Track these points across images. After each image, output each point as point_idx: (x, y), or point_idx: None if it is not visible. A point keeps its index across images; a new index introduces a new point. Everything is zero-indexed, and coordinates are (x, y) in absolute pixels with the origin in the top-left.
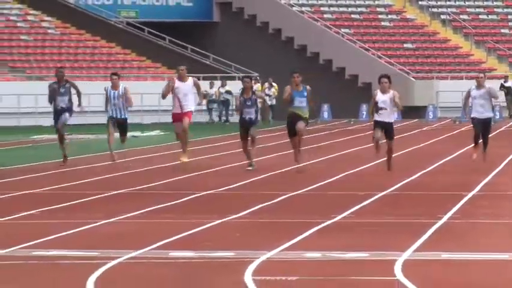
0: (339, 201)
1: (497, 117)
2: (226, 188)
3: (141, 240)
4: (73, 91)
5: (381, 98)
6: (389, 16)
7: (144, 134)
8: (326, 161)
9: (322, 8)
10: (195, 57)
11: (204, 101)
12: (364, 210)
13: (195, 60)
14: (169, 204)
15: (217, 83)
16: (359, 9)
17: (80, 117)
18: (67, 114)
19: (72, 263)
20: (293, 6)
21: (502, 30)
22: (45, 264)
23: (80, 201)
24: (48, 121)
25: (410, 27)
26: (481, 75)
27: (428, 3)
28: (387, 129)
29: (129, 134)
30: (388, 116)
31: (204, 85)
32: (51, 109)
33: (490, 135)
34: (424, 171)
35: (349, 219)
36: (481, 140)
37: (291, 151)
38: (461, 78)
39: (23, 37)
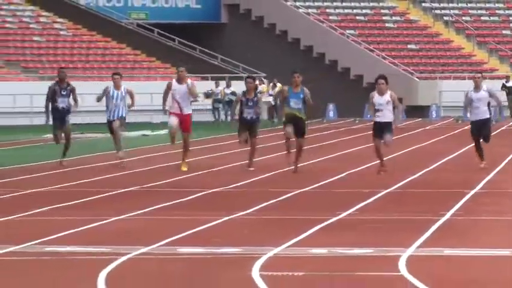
0: (344, 198)
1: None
2: (233, 186)
3: (150, 236)
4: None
5: (377, 100)
6: (394, 18)
7: (154, 133)
8: (331, 159)
9: (327, 10)
10: (203, 58)
11: (210, 100)
12: (368, 208)
13: (203, 61)
14: (177, 201)
15: (223, 82)
16: (364, 11)
17: (88, 116)
18: (69, 119)
19: (84, 258)
20: (299, 8)
21: (504, 32)
22: (57, 260)
23: (90, 198)
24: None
25: (414, 28)
26: (478, 75)
27: (432, 5)
28: (386, 129)
29: (139, 132)
30: (386, 116)
31: (211, 85)
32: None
33: (491, 134)
34: (427, 169)
35: (354, 216)
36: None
37: (291, 151)
38: (464, 78)
39: (35, 38)
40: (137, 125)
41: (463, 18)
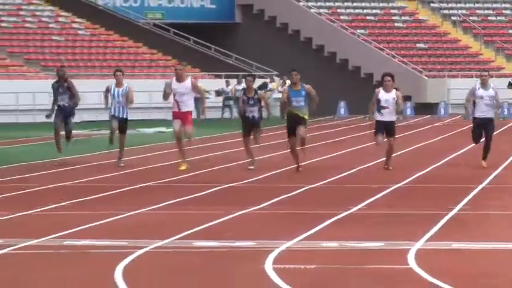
0: (354, 193)
1: (506, 113)
2: (246, 181)
3: (166, 230)
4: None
5: (383, 96)
6: (403, 17)
7: (169, 130)
8: (341, 155)
9: (339, 10)
10: (218, 57)
11: (220, 98)
12: (378, 202)
13: (218, 60)
14: (192, 196)
15: (233, 81)
16: (374, 11)
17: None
18: (72, 119)
19: (101, 252)
20: (311, 8)
21: (510, 31)
22: (75, 254)
23: (107, 193)
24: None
25: (422, 28)
26: (485, 73)
27: (440, 5)
28: (389, 127)
29: (155, 129)
30: (390, 114)
31: (221, 83)
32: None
33: (493, 134)
34: (435, 165)
35: (364, 210)
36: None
37: (299, 148)
38: (471, 76)
39: (54, 37)
40: (153, 122)
41: (471, 18)
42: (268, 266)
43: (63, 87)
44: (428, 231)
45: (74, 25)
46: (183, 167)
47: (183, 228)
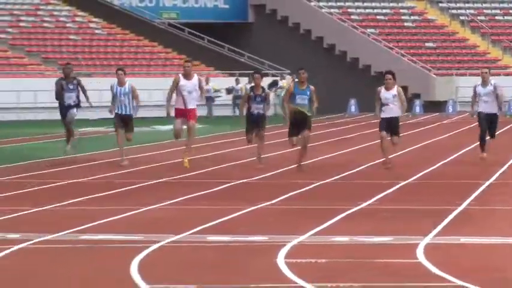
0: (364, 189)
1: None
2: (257, 177)
3: (181, 225)
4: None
5: (384, 94)
6: (412, 17)
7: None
8: (351, 152)
9: (349, 10)
10: (231, 56)
11: (230, 96)
12: (387, 198)
13: (231, 59)
14: (205, 192)
15: (244, 79)
16: (384, 11)
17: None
18: (75, 110)
19: (117, 246)
20: (322, 8)
21: None
22: (91, 248)
23: (122, 189)
24: (95, 115)
25: (431, 27)
26: (485, 70)
27: (448, 5)
28: (393, 124)
29: (171, 127)
30: (393, 111)
31: (231, 81)
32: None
33: (496, 132)
34: (444, 161)
35: (374, 206)
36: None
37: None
38: (479, 74)
39: (71, 37)
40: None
41: (478, 17)
42: (280, 260)
43: (72, 84)
44: (437, 226)
45: (91, 25)
46: (186, 164)
47: (196, 223)
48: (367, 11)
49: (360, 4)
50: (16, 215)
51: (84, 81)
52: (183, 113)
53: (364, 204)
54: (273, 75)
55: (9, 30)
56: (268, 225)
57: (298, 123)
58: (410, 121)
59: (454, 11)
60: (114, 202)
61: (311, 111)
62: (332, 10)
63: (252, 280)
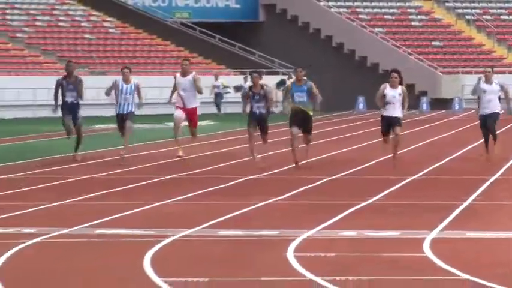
0: (372, 185)
1: None
2: (267, 173)
3: (193, 220)
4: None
5: (389, 92)
6: (419, 16)
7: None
8: (359, 148)
9: (358, 9)
10: (242, 54)
11: (239, 93)
12: (395, 193)
13: (242, 57)
14: (217, 187)
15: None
16: (391, 10)
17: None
18: (79, 115)
19: (131, 240)
20: (331, 7)
21: None
22: (105, 242)
23: (135, 185)
24: (109, 112)
25: (438, 26)
26: (489, 69)
27: (455, 5)
28: (394, 123)
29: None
30: (395, 110)
31: (239, 79)
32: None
33: (497, 131)
34: (450, 157)
35: (382, 201)
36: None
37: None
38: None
39: (86, 36)
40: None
41: (484, 17)
42: (290, 254)
43: (73, 82)
44: (444, 221)
45: (105, 24)
46: (180, 152)
47: (208, 218)
48: (375, 10)
49: (368, 4)
50: (32, 209)
51: (98, 79)
52: (184, 112)
53: (372, 200)
54: (283, 74)
55: (26, 29)
56: (278, 220)
57: (299, 118)
58: (417, 118)
59: (460, 11)
60: (128, 197)
61: (312, 106)
62: (341, 10)
63: (262, 274)
